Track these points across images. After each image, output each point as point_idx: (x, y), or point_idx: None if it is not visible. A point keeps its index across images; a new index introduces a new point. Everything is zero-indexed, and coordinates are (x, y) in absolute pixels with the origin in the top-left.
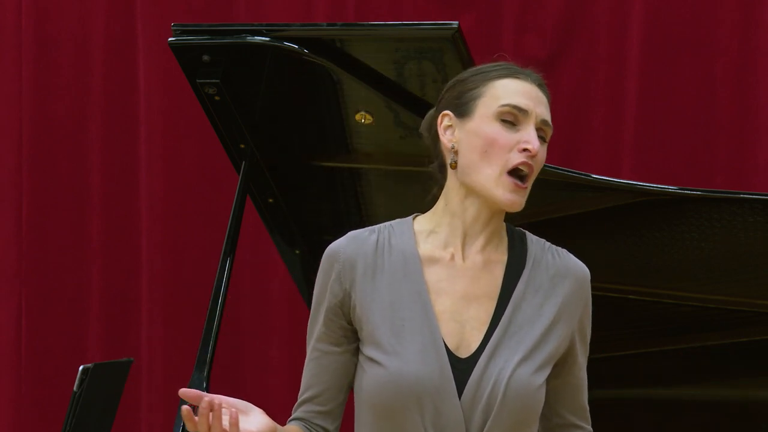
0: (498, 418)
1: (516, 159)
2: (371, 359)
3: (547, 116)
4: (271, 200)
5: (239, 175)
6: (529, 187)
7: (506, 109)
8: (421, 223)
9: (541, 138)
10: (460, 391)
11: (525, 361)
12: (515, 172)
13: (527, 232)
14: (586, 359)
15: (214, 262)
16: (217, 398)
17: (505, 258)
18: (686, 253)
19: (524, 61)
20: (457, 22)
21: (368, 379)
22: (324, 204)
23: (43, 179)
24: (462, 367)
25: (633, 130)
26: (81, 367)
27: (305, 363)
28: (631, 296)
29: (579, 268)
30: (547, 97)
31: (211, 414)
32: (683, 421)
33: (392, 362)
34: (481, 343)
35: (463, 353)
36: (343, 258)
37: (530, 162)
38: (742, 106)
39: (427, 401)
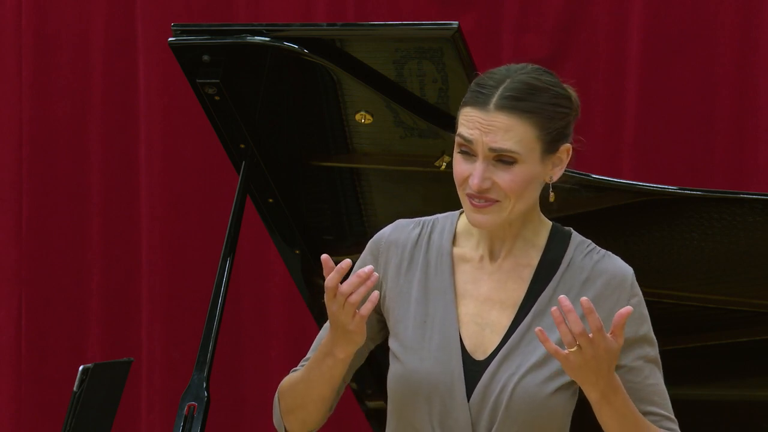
0: (503, 423)
1: (467, 190)
2: (393, 351)
3: (501, 143)
4: (271, 200)
5: (239, 175)
6: (507, 205)
7: (459, 139)
8: (465, 220)
9: (503, 162)
10: (469, 393)
11: (537, 368)
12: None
13: (574, 234)
14: (647, 362)
15: (214, 262)
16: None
17: (535, 262)
18: (686, 253)
19: (525, 60)
20: (457, 22)
21: (389, 371)
22: (324, 204)
23: (43, 179)
24: (475, 370)
25: (633, 130)
26: (81, 367)
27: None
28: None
29: (615, 270)
30: (521, 115)
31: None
32: (683, 421)
33: (408, 357)
34: (497, 347)
35: (479, 356)
36: (384, 247)
37: (476, 194)
38: (742, 106)
39: (436, 399)
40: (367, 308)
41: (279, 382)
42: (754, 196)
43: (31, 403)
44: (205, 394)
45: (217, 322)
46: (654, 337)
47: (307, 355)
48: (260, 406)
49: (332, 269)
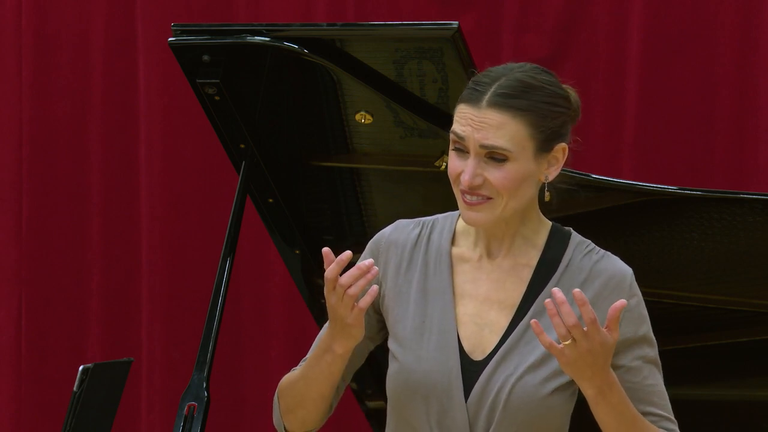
0: (501, 423)
1: (460, 187)
2: (391, 351)
3: (492, 140)
4: (271, 200)
5: (239, 175)
6: (500, 203)
7: (452, 136)
8: None
9: (495, 159)
10: (467, 393)
11: (535, 368)
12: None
13: (573, 234)
14: (646, 363)
15: (214, 262)
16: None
17: (534, 262)
18: (686, 253)
19: (526, 60)
20: (457, 22)
21: (388, 371)
22: (324, 204)
23: (43, 179)
24: (473, 370)
25: (633, 130)
26: (81, 367)
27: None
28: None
29: (615, 270)
30: (514, 113)
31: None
32: (683, 421)
33: (406, 358)
34: (495, 348)
35: (478, 356)
36: (383, 247)
37: (468, 191)
38: (742, 106)
39: (433, 400)
40: (365, 301)
41: (279, 382)
42: (754, 196)
43: (31, 403)
44: (205, 394)
45: (217, 322)
46: (653, 338)
47: (307, 355)
48: (260, 406)
49: (333, 262)
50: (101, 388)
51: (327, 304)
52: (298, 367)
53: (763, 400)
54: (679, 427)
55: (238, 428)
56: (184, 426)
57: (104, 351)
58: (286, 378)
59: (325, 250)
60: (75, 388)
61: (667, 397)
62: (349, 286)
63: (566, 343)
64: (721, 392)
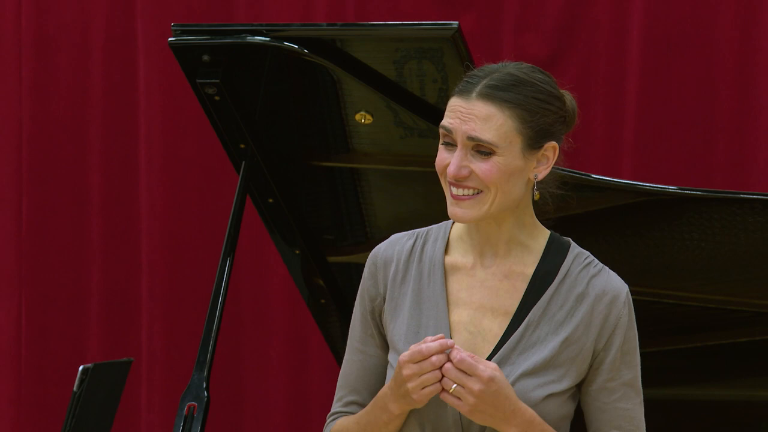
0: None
1: (447, 178)
2: (390, 362)
3: (479, 132)
4: (271, 200)
5: (239, 175)
6: (487, 197)
7: (442, 130)
8: (458, 227)
9: (481, 152)
10: None
11: (527, 376)
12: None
13: (573, 244)
14: (622, 385)
15: (214, 262)
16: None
17: (530, 271)
18: (686, 253)
19: (525, 60)
20: (457, 22)
21: (386, 380)
22: (324, 204)
23: (43, 179)
24: None
25: (633, 130)
26: (81, 367)
27: (346, 360)
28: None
29: (610, 286)
30: (502, 105)
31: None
32: (683, 421)
33: None
34: (488, 357)
35: None
36: (380, 262)
37: (456, 183)
38: (742, 106)
39: (427, 408)
40: (437, 387)
41: (279, 382)
42: (754, 196)
43: (31, 403)
44: (205, 394)
45: (217, 322)
46: (638, 362)
47: (338, 393)
48: (260, 406)
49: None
50: (101, 388)
51: (401, 371)
52: (335, 409)
53: (763, 400)
54: (680, 428)
55: (238, 428)
56: (184, 426)
57: (104, 351)
58: (340, 425)
59: (450, 342)
60: (75, 388)
61: (638, 424)
62: (431, 366)
63: (453, 388)
64: (721, 392)
